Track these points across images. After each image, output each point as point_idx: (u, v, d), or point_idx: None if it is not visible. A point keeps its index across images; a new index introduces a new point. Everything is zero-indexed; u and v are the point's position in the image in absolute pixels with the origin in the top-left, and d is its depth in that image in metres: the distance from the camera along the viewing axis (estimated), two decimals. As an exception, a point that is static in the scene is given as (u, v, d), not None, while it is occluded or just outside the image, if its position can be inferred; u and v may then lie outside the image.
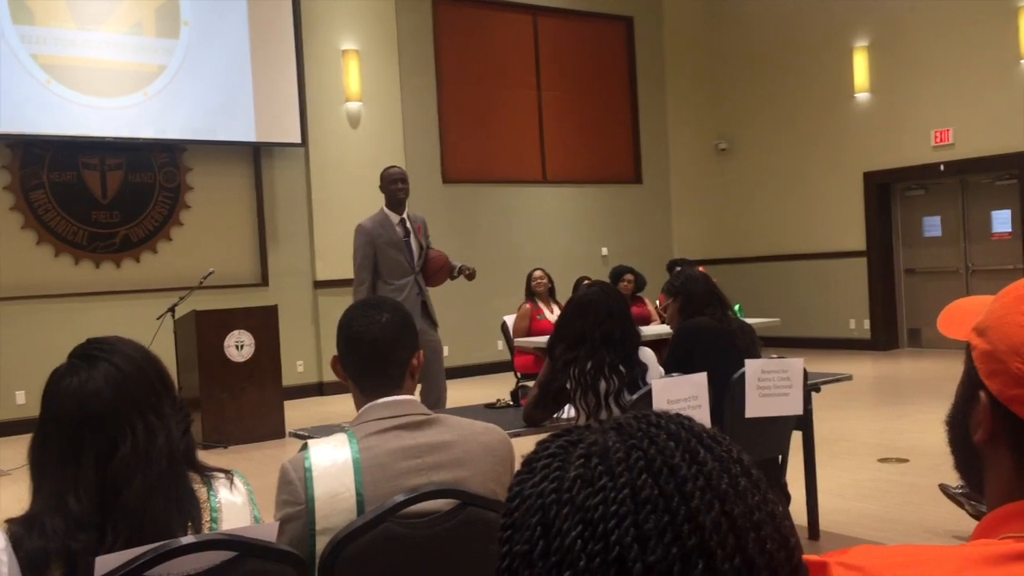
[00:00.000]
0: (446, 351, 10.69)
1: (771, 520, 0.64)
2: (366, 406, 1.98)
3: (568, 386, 3.42)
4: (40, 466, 1.58)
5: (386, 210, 6.01)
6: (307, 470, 1.83)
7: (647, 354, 3.54)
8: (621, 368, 3.37)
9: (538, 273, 7.98)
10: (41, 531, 1.48)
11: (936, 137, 10.81)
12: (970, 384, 0.95)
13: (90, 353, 1.63)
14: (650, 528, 0.60)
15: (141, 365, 1.64)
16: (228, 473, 1.74)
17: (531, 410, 3.58)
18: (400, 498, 1.80)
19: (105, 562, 1.43)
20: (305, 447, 1.90)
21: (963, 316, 1.01)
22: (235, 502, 1.70)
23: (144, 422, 1.58)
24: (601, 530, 0.60)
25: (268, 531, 1.61)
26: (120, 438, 1.55)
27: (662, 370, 3.59)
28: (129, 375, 1.60)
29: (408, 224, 6.02)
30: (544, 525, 0.63)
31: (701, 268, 5.64)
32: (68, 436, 1.55)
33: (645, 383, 3.38)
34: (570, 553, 0.60)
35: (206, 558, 1.53)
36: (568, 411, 3.61)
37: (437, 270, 6.07)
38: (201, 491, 1.66)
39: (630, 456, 0.64)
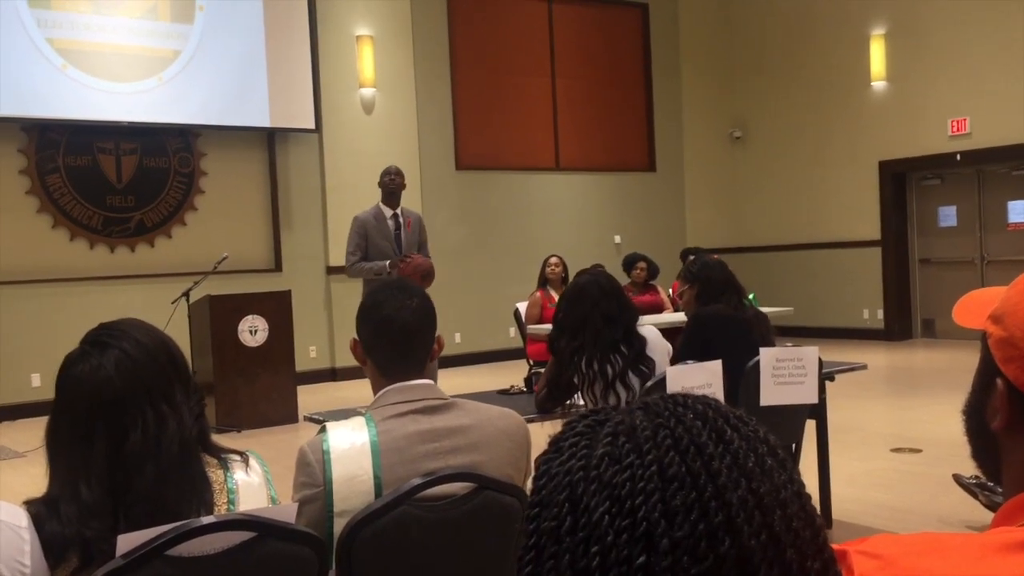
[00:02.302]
0: (458, 337, 10.81)
1: (797, 499, 0.65)
2: (384, 390, 1.99)
3: (576, 380, 3.45)
4: (55, 450, 1.58)
5: (381, 205, 6.35)
6: (325, 452, 1.84)
7: (645, 328, 3.57)
8: (623, 348, 3.40)
9: (553, 260, 7.90)
10: (58, 516, 1.49)
11: (953, 126, 10.74)
12: (987, 372, 0.95)
13: (101, 339, 1.62)
14: (677, 504, 0.61)
15: (152, 351, 1.62)
16: (243, 455, 1.74)
17: (543, 402, 3.62)
18: (417, 481, 1.81)
19: (127, 541, 1.43)
20: (323, 430, 1.91)
21: (978, 305, 1.00)
22: (252, 483, 1.70)
23: (155, 409, 1.57)
24: (629, 506, 0.61)
25: (287, 512, 1.61)
26: (131, 425, 1.55)
27: (666, 344, 3.62)
28: (139, 361, 1.59)
29: (400, 219, 6.33)
30: (572, 502, 0.63)
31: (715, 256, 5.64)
32: (80, 423, 1.55)
33: (648, 357, 3.41)
34: (597, 529, 0.61)
35: (224, 538, 1.53)
36: (580, 399, 3.64)
37: (412, 274, 5.89)
38: (217, 473, 1.66)
39: (657, 434, 0.64)
